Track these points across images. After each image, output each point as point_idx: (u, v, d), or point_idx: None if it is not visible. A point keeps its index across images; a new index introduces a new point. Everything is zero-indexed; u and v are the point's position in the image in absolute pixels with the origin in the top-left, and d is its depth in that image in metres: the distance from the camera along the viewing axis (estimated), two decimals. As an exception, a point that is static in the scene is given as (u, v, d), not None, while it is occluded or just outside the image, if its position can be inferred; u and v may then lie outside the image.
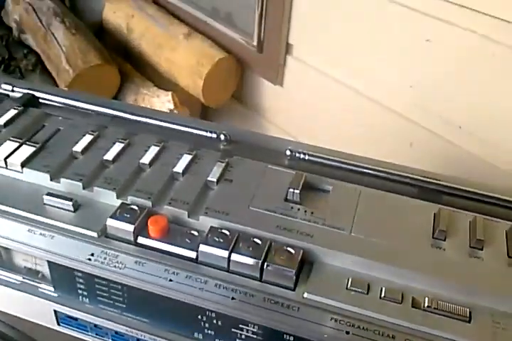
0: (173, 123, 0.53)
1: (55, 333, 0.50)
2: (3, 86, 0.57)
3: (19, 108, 0.53)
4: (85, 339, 0.48)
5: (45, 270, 0.46)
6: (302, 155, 0.50)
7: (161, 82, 1.40)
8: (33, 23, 1.46)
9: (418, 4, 0.86)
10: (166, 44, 1.38)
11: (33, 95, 0.56)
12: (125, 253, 0.42)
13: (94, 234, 0.43)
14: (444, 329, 0.37)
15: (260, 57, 1.30)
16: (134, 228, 0.42)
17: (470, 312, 0.37)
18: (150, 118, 0.54)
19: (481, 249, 0.41)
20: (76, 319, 0.47)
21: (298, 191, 0.44)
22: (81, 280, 0.44)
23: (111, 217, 0.43)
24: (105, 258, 0.42)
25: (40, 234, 0.43)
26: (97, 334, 0.47)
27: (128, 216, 0.43)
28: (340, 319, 0.38)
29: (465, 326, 0.37)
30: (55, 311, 0.47)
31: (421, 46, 0.87)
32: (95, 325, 0.46)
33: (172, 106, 1.26)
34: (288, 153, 0.50)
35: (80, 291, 0.45)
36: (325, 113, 1.19)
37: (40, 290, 0.47)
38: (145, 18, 1.48)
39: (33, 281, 0.47)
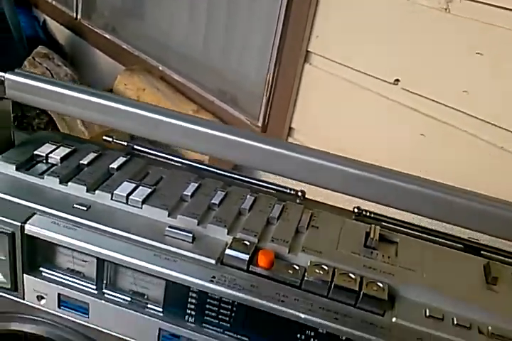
0: (259, 181, 0.63)
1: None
2: (105, 138, 0.67)
3: (126, 156, 0.62)
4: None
5: (151, 293, 0.54)
6: (367, 213, 0.61)
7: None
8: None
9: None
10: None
11: (133, 147, 0.66)
12: (240, 278, 0.50)
13: (213, 261, 0.51)
14: (507, 351, 0.46)
15: (265, 137, 1.44)
16: (248, 258, 0.51)
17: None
18: (238, 175, 0.64)
19: (524, 294, 0.52)
20: (178, 336, 0.53)
21: (376, 239, 0.55)
22: (193, 300, 0.51)
23: (229, 247, 0.51)
24: (225, 281, 0.50)
25: (165, 258, 0.51)
26: (195, 352, 0.54)
27: (241, 248, 0.51)
28: (423, 338, 0.47)
29: (522, 350, 0.47)
30: (160, 329, 0.53)
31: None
32: (197, 343, 0.53)
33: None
34: (356, 210, 0.61)
35: (188, 311, 0.52)
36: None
37: (147, 310, 0.54)
38: (155, 92, 1.61)
39: (141, 302, 0.54)
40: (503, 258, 0.58)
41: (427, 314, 0.49)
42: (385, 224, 0.60)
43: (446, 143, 1.09)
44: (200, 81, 1.62)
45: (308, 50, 1.30)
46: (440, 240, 0.59)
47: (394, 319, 0.48)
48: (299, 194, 0.62)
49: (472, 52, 0.99)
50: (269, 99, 1.42)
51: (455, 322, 0.48)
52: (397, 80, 1.16)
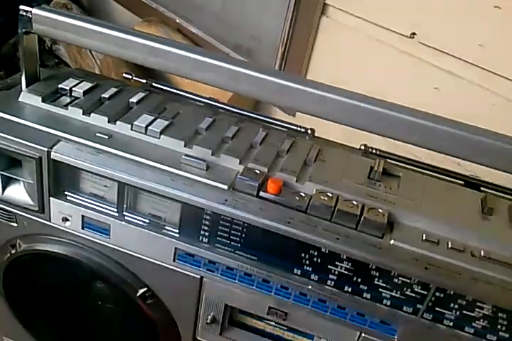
0: (271, 118, 0.66)
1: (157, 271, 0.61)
2: (125, 75, 0.70)
3: (145, 92, 0.65)
4: (193, 275, 0.59)
5: (168, 216, 0.58)
6: (374, 151, 0.64)
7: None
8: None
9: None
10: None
11: (151, 84, 0.69)
12: (250, 202, 0.54)
13: (225, 187, 0.55)
14: (492, 270, 0.50)
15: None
16: (258, 184, 0.54)
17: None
18: (251, 113, 0.66)
19: (517, 224, 0.55)
20: (193, 255, 0.58)
21: (380, 171, 0.58)
22: (207, 222, 0.55)
23: (241, 175, 0.55)
24: (236, 204, 0.54)
25: (182, 183, 0.55)
26: (208, 269, 0.59)
27: (252, 176, 0.55)
28: (418, 258, 0.51)
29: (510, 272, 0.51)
30: (176, 248, 0.58)
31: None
32: (209, 261, 0.58)
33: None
34: (363, 147, 0.64)
35: (202, 232, 0.56)
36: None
37: (164, 231, 0.58)
38: (172, 44, 1.62)
39: (158, 224, 0.58)
40: (501, 194, 0.61)
41: (424, 238, 0.52)
42: (390, 160, 0.63)
43: (460, 96, 1.11)
44: (216, 33, 1.64)
45: (326, 2, 1.30)
46: (442, 176, 0.62)
47: (392, 241, 0.52)
48: (309, 132, 0.65)
49: (490, 5, 0.99)
50: (284, 52, 1.43)
51: (449, 246, 0.52)
52: (414, 34, 1.16)
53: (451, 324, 0.53)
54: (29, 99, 0.61)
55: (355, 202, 0.54)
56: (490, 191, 0.61)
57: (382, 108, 0.52)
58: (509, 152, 0.50)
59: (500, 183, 0.62)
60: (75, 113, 0.60)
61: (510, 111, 1.01)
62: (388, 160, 0.62)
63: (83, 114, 0.60)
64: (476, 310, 0.51)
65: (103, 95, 0.63)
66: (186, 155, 0.57)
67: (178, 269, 0.60)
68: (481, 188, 0.61)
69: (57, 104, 0.61)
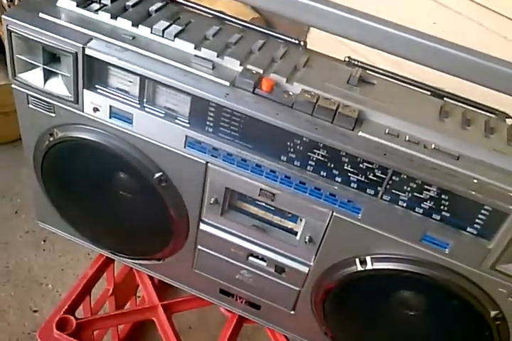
0: (270, 30, 0.75)
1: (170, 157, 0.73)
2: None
3: (163, 2, 0.75)
4: (200, 160, 0.72)
5: (180, 109, 0.69)
6: (356, 62, 0.73)
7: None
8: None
9: None
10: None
11: (170, -4, 0.78)
12: (247, 97, 0.65)
13: (227, 83, 0.66)
14: (439, 159, 0.61)
15: None
16: (254, 82, 0.65)
17: (459, 156, 0.62)
18: (254, 25, 0.76)
19: (469, 126, 0.65)
20: (200, 142, 0.70)
21: (357, 78, 0.68)
22: (211, 114, 0.67)
23: (240, 74, 0.66)
24: (235, 98, 0.65)
25: (192, 78, 0.66)
26: (212, 155, 0.71)
27: (249, 75, 0.66)
28: (380, 147, 0.62)
29: (454, 161, 0.61)
30: (186, 136, 0.70)
31: None
32: (213, 147, 0.70)
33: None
34: (347, 59, 0.74)
35: (207, 122, 0.68)
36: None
37: (177, 121, 0.70)
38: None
39: (172, 115, 0.70)
40: (461, 104, 0.71)
41: (386, 131, 0.63)
42: (369, 71, 0.73)
43: (457, 32, 1.16)
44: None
45: None
46: (412, 87, 0.72)
47: (360, 133, 0.63)
48: (302, 43, 0.75)
49: None
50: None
51: (407, 139, 0.63)
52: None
53: (405, 204, 0.65)
54: (65, 4, 0.72)
55: (333, 101, 0.64)
56: (451, 101, 0.71)
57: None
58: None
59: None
60: (104, 17, 0.71)
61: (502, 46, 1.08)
62: (368, 71, 0.72)
63: (111, 18, 0.70)
64: (424, 192, 0.63)
65: (127, 3, 0.73)
66: (196, 55, 0.67)
67: (188, 155, 0.73)
68: (444, 98, 0.71)
69: (89, 9, 0.72)
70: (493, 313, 0.68)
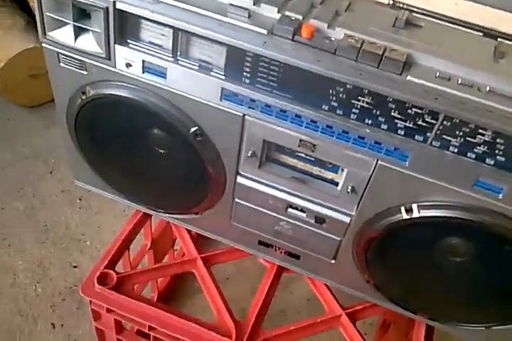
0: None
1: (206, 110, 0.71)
2: None
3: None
4: (237, 113, 0.70)
5: (215, 61, 0.67)
6: (401, 5, 0.70)
7: None
8: None
9: None
10: None
11: None
12: (287, 44, 0.63)
13: (265, 32, 0.63)
14: (495, 101, 0.58)
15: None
16: (294, 29, 0.62)
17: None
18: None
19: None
20: (237, 94, 0.68)
21: (403, 20, 0.64)
22: (248, 64, 0.64)
23: (279, 20, 0.63)
24: (274, 46, 0.62)
25: (228, 28, 0.63)
26: (249, 107, 0.69)
27: (288, 22, 0.63)
28: (430, 91, 0.59)
29: (510, 103, 0.59)
30: (222, 88, 0.68)
31: None
32: (250, 99, 0.68)
33: None
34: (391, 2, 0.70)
35: (244, 73, 0.66)
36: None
37: (212, 73, 0.68)
38: None
39: (208, 67, 0.68)
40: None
41: (437, 75, 0.61)
42: (416, 14, 0.69)
43: None
44: None
45: None
46: (463, 28, 0.68)
47: (409, 77, 0.60)
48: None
49: None
50: None
51: (459, 82, 0.60)
52: None
53: (456, 150, 0.63)
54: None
55: (378, 45, 0.62)
56: (506, 41, 0.67)
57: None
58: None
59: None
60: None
61: None
62: (414, 14, 0.68)
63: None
64: (478, 136, 0.60)
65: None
66: (231, 4, 0.64)
67: (224, 108, 0.71)
68: (498, 39, 0.67)
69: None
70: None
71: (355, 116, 0.65)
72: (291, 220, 0.83)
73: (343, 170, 0.73)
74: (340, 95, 0.63)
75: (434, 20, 0.69)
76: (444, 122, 0.60)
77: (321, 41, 0.62)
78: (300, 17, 0.64)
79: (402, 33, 0.64)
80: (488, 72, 0.61)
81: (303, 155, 0.75)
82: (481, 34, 0.68)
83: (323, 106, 0.65)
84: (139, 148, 0.84)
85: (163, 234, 1.17)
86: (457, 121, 0.60)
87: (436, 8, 0.70)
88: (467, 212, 0.66)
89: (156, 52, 0.69)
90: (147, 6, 0.65)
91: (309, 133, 0.69)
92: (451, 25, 0.69)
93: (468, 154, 0.63)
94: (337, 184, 0.76)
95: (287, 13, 0.64)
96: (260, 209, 0.84)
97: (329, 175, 0.77)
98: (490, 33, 0.68)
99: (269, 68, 0.64)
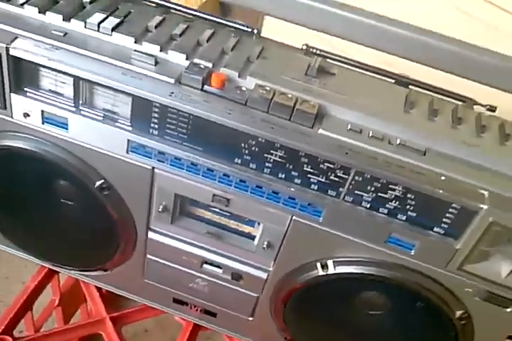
0: (220, 18, 0.70)
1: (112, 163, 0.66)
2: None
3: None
4: (145, 166, 0.65)
5: (121, 110, 0.63)
6: (314, 50, 0.69)
7: None
8: None
9: None
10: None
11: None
12: (195, 95, 0.59)
13: (172, 81, 0.60)
14: (405, 156, 0.57)
15: None
16: (203, 78, 0.60)
17: (425, 150, 0.58)
18: (202, 13, 0.70)
19: (436, 116, 0.62)
20: (144, 146, 0.64)
21: (316, 68, 0.63)
22: (155, 115, 0.61)
23: (186, 69, 0.60)
24: (182, 97, 0.59)
25: (131, 76, 0.60)
26: (158, 160, 0.65)
27: (197, 70, 0.60)
28: (342, 145, 0.58)
29: (420, 157, 0.58)
30: (128, 140, 0.64)
31: None
32: (159, 152, 0.64)
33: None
34: (304, 47, 0.69)
35: (151, 124, 0.62)
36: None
37: (117, 124, 0.63)
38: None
39: (112, 118, 0.64)
40: (428, 92, 0.67)
41: (348, 128, 0.59)
42: (329, 60, 0.68)
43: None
44: None
45: None
46: (375, 75, 0.68)
47: (320, 130, 0.59)
48: (255, 31, 0.69)
49: None
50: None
51: (370, 135, 0.59)
52: None
53: (368, 205, 0.61)
54: (-16, -3, 0.64)
55: (290, 96, 0.60)
56: (417, 89, 0.67)
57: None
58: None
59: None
60: (30, 11, 0.63)
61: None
62: (327, 60, 0.67)
63: (39, 13, 0.63)
64: (389, 192, 0.59)
65: (57, -5, 0.65)
66: (136, 50, 0.61)
67: (132, 160, 0.66)
68: (409, 86, 0.67)
69: (12, 3, 0.64)
70: (458, 313, 0.66)
71: (269, 170, 0.62)
72: (206, 277, 0.79)
73: (259, 224, 0.70)
74: (253, 148, 0.60)
75: (348, 66, 0.68)
76: (356, 177, 0.59)
77: (231, 91, 0.60)
78: (210, 65, 0.61)
79: (314, 81, 0.63)
80: (399, 124, 0.60)
81: (217, 210, 0.71)
82: (393, 81, 0.68)
83: (236, 160, 0.62)
84: (42, 201, 0.78)
85: (73, 289, 1.08)
86: (369, 176, 0.58)
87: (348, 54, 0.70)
88: (381, 268, 0.64)
89: (56, 101, 0.64)
90: (44, 53, 0.60)
91: (223, 188, 0.66)
92: (363, 71, 0.68)
93: (381, 209, 0.61)
94: (253, 238, 0.73)
95: (196, 60, 0.61)
96: (174, 265, 0.79)
97: (246, 228, 0.73)
98: (401, 81, 0.68)
99: (178, 119, 0.61)
